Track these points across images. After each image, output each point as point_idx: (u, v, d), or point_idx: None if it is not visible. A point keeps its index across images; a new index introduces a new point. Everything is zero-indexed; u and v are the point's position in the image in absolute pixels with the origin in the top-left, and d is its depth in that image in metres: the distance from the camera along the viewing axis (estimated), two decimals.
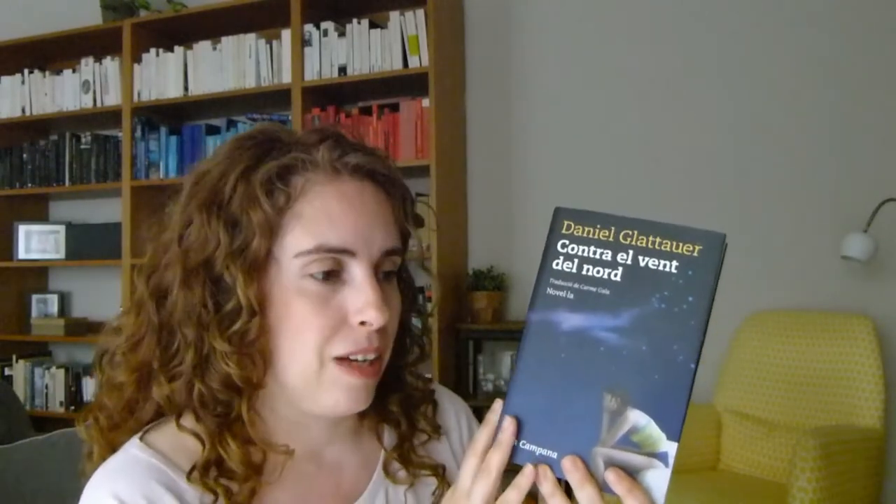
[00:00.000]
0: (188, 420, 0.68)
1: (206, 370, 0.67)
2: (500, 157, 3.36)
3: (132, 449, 0.67)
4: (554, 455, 0.59)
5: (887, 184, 2.73)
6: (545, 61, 3.30)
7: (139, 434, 0.69)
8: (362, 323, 0.66)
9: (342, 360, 0.67)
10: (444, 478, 0.77)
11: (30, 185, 3.90)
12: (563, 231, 0.63)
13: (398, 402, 0.79)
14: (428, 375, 0.84)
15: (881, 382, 2.49)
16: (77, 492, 0.66)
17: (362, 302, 0.66)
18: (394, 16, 3.16)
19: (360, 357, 0.67)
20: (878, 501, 2.52)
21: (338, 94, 3.40)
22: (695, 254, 0.59)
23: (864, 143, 2.85)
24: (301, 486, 0.72)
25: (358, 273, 0.67)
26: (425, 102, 3.12)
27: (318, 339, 0.66)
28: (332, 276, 0.67)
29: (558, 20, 3.28)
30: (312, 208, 0.67)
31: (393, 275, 0.72)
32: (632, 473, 0.57)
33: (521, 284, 3.26)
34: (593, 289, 0.60)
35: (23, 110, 3.88)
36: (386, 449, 0.77)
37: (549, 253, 0.62)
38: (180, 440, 0.67)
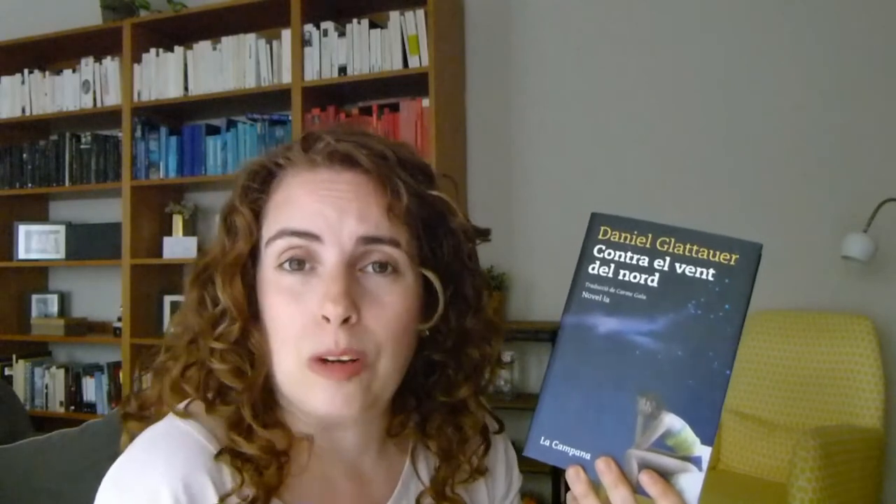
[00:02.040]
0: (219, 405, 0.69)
1: (209, 365, 0.69)
2: (500, 157, 3.36)
3: (173, 418, 0.67)
4: (587, 456, 0.60)
5: (887, 184, 2.73)
6: (545, 61, 3.30)
7: (184, 403, 0.69)
8: (325, 318, 0.63)
9: (315, 360, 0.64)
10: None
11: (30, 185, 3.89)
12: (600, 236, 0.64)
13: (446, 440, 0.74)
14: (494, 424, 0.80)
15: (881, 382, 2.49)
16: (77, 492, 0.66)
17: (321, 294, 0.64)
18: (394, 16, 3.16)
19: (331, 359, 0.64)
20: (878, 501, 2.52)
21: (338, 94, 3.40)
22: (732, 262, 0.61)
23: (864, 143, 2.85)
24: (329, 487, 0.71)
25: (328, 262, 0.65)
26: (425, 102, 3.11)
27: (292, 337, 0.65)
28: (304, 266, 0.65)
29: (559, 20, 3.28)
30: (280, 198, 0.68)
31: (393, 271, 0.67)
32: (665, 476, 0.58)
33: (521, 284, 3.26)
34: (629, 293, 0.62)
35: (23, 110, 3.88)
36: (420, 476, 0.75)
37: (585, 257, 0.63)
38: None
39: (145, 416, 0.72)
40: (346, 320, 0.63)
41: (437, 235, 0.71)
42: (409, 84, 3.19)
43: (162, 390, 0.71)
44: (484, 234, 0.75)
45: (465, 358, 0.73)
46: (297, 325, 0.64)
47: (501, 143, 3.36)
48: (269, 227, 0.67)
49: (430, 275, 0.69)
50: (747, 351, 2.76)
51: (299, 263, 0.65)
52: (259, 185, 0.69)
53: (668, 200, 3.03)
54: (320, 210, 0.65)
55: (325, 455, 0.71)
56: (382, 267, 0.66)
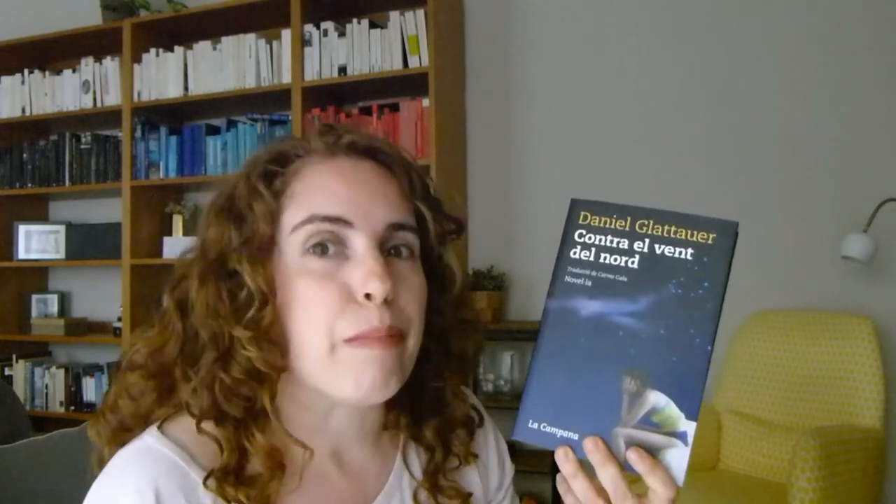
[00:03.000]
0: (209, 425, 0.66)
1: (228, 362, 0.66)
2: (500, 157, 3.36)
3: (149, 438, 0.66)
4: (575, 437, 0.61)
5: (887, 184, 2.73)
6: (545, 61, 3.30)
7: (158, 423, 0.68)
8: (367, 297, 0.63)
9: (354, 339, 0.64)
10: None
11: (30, 185, 3.89)
12: (580, 221, 0.65)
13: (435, 428, 0.76)
14: (473, 402, 0.81)
15: (881, 382, 2.49)
16: (77, 492, 0.66)
17: (364, 272, 0.64)
18: (394, 16, 3.16)
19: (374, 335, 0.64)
20: (878, 501, 2.52)
21: (338, 94, 3.40)
22: (709, 241, 0.62)
23: (864, 143, 2.85)
24: (321, 488, 0.71)
25: (359, 245, 0.65)
26: (425, 102, 3.11)
27: (325, 318, 0.64)
28: (333, 250, 0.65)
29: (558, 20, 3.28)
30: (305, 185, 0.68)
31: (411, 255, 0.69)
32: (652, 452, 0.59)
33: (521, 284, 3.26)
34: (611, 276, 0.63)
35: (23, 110, 3.88)
36: (410, 470, 0.76)
37: (566, 242, 0.65)
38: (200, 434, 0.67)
39: (119, 437, 0.70)
40: (385, 299, 0.64)
41: (435, 224, 0.73)
42: (409, 84, 3.19)
43: (151, 394, 0.70)
44: (461, 228, 0.77)
45: (450, 348, 0.75)
46: (333, 304, 0.64)
47: (501, 143, 3.36)
48: (294, 213, 0.66)
49: (447, 255, 0.72)
50: (747, 351, 2.76)
51: (325, 249, 0.65)
52: (278, 167, 0.69)
53: (669, 201, 3.02)
54: (351, 196, 0.66)
55: (317, 453, 0.70)
56: (402, 251, 0.68)
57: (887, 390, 2.52)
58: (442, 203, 0.75)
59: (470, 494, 0.77)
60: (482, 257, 3.28)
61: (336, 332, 0.64)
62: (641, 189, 3.07)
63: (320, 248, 0.65)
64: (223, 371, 0.66)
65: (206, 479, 0.63)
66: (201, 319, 0.67)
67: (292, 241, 0.66)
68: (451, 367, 0.75)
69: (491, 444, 0.85)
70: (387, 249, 0.67)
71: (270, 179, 0.68)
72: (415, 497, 0.74)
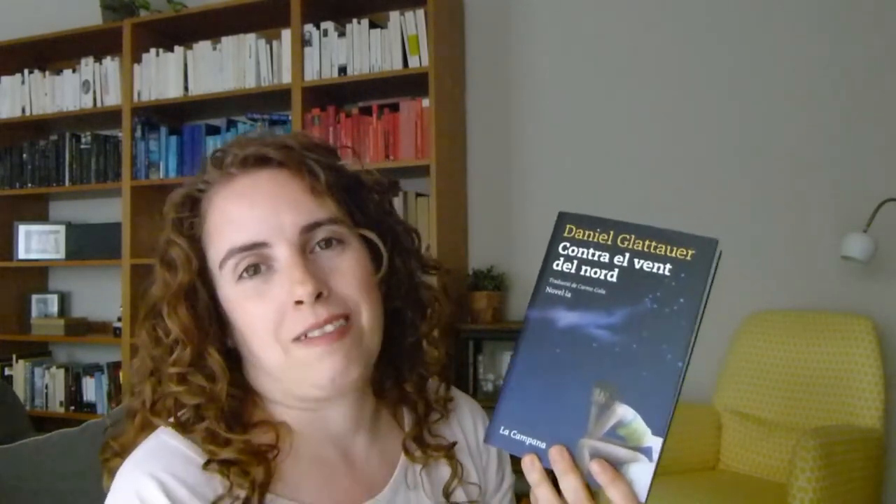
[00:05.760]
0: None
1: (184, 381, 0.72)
2: (500, 157, 3.36)
3: (163, 435, 0.70)
4: (542, 445, 0.61)
5: (887, 184, 2.73)
6: (545, 61, 3.30)
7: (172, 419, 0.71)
8: (298, 302, 0.67)
9: (299, 339, 0.68)
10: (456, 459, 0.79)
11: (30, 185, 3.89)
12: (566, 234, 0.66)
13: (413, 383, 0.80)
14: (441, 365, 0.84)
15: (881, 382, 2.49)
16: (77, 491, 0.66)
17: (287, 283, 0.68)
18: (394, 16, 3.16)
19: (316, 333, 0.68)
20: (879, 501, 2.52)
21: (338, 94, 3.40)
22: (688, 258, 0.62)
23: (864, 143, 2.85)
24: (323, 472, 0.73)
25: (281, 256, 0.69)
26: (425, 102, 3.11)
27: (269, 330, 0.68)
28: (261, 269, 0.69)
29: (559, 20, 3.28)
30: (214, 221, 0.72)
31: (341, 242, 0.72)
32: (617, 466, 0.59)
33: (521, 284, 3.26)
34: (590, 288, 0.64)
35: (23, 110, 3.88)
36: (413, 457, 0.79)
37: (550, 254, 0.66)
38: None
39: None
40: (318, 296, 0.67)
41: (360, 198, 0.76)
42: (409, 84, 3.19)
43: (135, 427, 0.74)
44: (395, 186, 0.81)
45: (418, 300, 0.79)
46: (271, 317, 0.68)
47: (501, 143, 3.36)
48: (216, 249, 0.71)
49: (369, 233, 0.74)
50: (747, 351, 2.76)
51: (255, 269, 0.70)
52: (189, 212, 0.74)
53: (669, 201, 3.03)
54: (255, 217, 0.70)
55: (316, 440, 0.74)
56: (328, 243, 0.71)
57: (887, 390, 2.52)
58: (360, 175, 0.77)
59: (454, 443, 0.81)
60: (482, 257, 3.28)
61: (283, 338, 0.69)
62: (642, 189, 3.07)
63: (252, 269, 0.69)
64: (175, 400, 0.71)
65: (205, 464, 0.67)
66: (146, 354, 0.73)
67: (224, 275, 0.71)
68: (422, 315, 0.79)
69: (493, 450, 0.86)
70: (314, 246, 0.71)
71: (184, 225, 0.73)
72: (404, 448, 0.78)
